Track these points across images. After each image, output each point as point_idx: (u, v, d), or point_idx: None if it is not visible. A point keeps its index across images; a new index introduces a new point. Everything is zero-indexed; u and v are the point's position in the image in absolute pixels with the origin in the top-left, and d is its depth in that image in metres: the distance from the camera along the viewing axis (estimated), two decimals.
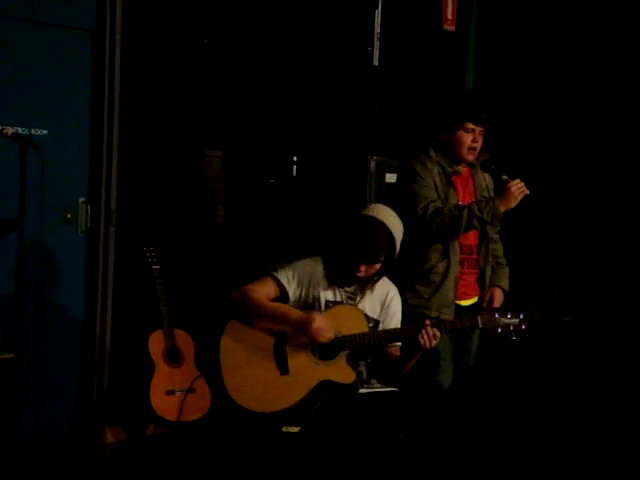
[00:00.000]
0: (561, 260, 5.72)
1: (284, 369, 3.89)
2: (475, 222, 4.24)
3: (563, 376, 5.58)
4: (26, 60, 4.98)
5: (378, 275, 3.99)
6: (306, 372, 3.88)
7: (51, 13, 5.02)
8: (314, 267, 4.00)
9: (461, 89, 5.99)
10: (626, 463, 4.81)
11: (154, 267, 5.08)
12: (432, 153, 4.38)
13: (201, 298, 5.43)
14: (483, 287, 4.50)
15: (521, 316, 3.85)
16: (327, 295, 3.97)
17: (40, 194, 4.14)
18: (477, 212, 4.22)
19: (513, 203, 4.23)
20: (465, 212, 4.24)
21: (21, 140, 3.93)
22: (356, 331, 3.88)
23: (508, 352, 5.29)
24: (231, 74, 5.63)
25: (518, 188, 4.23)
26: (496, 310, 3.93)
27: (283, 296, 3.98)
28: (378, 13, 5.51)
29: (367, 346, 3.88)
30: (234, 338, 3.94)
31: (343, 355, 3.88)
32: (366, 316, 3.96)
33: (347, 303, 3.98)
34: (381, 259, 3.89)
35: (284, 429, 3.87)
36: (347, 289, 4.00)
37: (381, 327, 4.01)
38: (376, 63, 5.53)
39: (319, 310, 3.94)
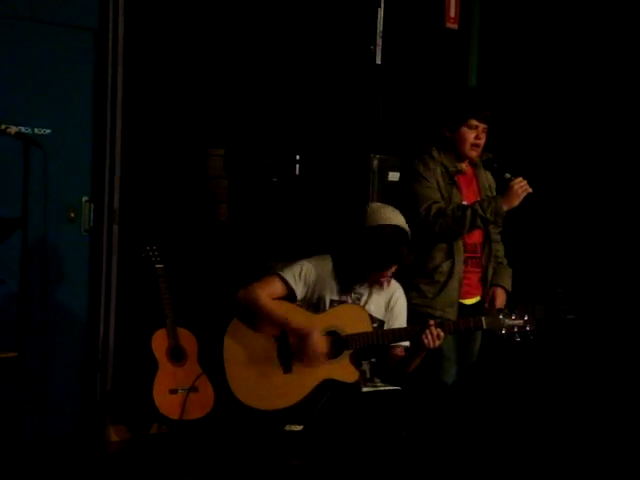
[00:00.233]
0: (564, 258, 5.71)
1: (287, 367, 3.89)
2: (479, 222, 4.24)
3: (566, 374, 5.58)
4: (29, 59, 4.98)
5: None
6: (309, 370, 3.88)
7: (53, 12, 5.03)
8: (322, 267, 4.00)
9: (465, 86, 5.99)
10: (629, 461, 4.81)
11: (157, 266, 5.09)
12: (435, 153, 4.37)
13: (204, 297, 5.44)
14: (485, 286, 4.49)
15: (525, 317, 3.85)
16: (333, 295, 3.98)
17: (43, 193, 4.14)
18: (480, 212, 4.22)
19: (516, 201, 4.22)
20: (468, 212, 4.23)
21: (24, 139, 3.92)
22: (360, 330, 3.88)
23: (511, 350, 5.28)
24: (234, 73, 5.63)
25: (521, 186, 4.22)
26: (500, 311, 3.92)
27: (290, 295, 3.97)
28: (381, 11, 5.51)
29: (370, 345, 3.88)
30: (237, 336, 3.94)
31: (346, 354, 3.88)
32: (371, 316, 3.97)
33: (352, 303, 3.99)
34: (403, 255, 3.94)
35: (287, 427, 3.87)
36: (356, 289, 4.01)
37: (386, 327, 4.01)
38: (379, 61, 5.52)
39: (323, 309, 3.95)
